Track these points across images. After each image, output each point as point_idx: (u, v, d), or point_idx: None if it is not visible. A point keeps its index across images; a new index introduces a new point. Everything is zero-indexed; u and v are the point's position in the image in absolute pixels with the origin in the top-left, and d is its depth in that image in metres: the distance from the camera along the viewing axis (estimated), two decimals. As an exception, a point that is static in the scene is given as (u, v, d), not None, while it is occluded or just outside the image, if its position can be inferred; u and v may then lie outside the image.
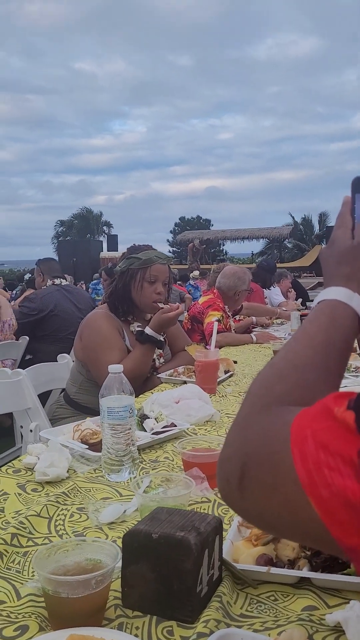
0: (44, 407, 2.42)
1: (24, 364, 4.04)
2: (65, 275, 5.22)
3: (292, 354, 0.63)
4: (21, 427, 2.45)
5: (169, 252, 41.24)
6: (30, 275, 5.20)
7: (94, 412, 1.95)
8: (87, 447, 1.40)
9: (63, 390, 2.51)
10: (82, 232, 36.70)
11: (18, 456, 3.56)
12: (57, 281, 4.26)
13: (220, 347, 3.38)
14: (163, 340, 2.30)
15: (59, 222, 40.03)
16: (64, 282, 4.36)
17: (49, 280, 4.25)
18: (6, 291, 11.67)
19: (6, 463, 1.38)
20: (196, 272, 12.33)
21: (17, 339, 4.17)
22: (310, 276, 16.25)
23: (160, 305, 2.24)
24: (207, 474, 1.16)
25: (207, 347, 2.43)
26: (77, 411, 2.31)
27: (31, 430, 2.28)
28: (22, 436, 2.58)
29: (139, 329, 2.29)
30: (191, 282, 11.14)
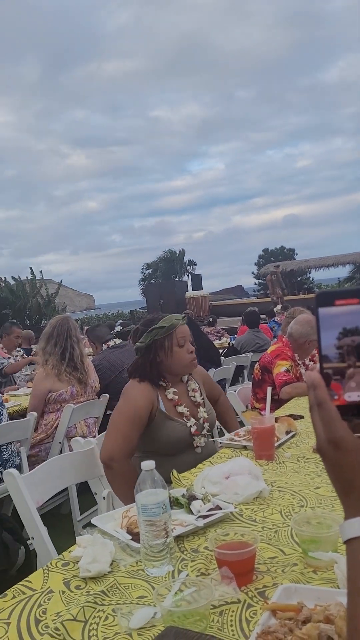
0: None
1: (106, 419, 4.23)
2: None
3: None
4: (95, 493, 2.55)
5: (255, 284, 41.07)
6: (121, 328, 5.61)
7: None
8: (130, 537, 1.45)
9: None
10: (167, 274, 37.60)
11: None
12: (110, 343, 4.59)
13: (290, 399, 3.34)
14: None
15: (145, 265, 41.28)
16: (117, 341, 4.68)
17: (103, 346, 4.58)
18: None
19: (88, 523, 1.48)
20: (279, 307, 12.21)
21: (98, 397, 4.36)
22: None
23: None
24: (235, 572, 1.16)
25: (262, 412, 2.42)
26: None
27: (104, 498, 2.37)
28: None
29: (175, 395, 2.34)
30: (276, 318, 10.92)
